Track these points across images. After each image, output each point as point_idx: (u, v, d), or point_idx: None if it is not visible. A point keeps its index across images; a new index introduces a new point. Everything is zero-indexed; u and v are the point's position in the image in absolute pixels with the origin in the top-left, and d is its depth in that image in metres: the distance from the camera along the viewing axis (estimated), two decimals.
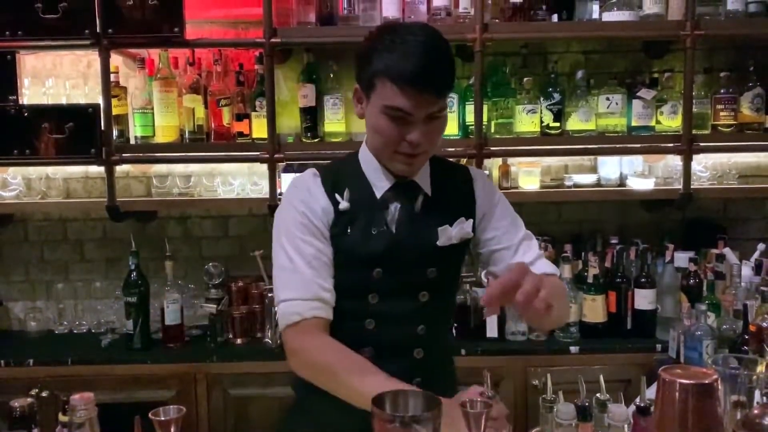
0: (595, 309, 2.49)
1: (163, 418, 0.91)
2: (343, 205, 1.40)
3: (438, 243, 1.41)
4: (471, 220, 1.46)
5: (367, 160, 1.44)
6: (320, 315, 1.36)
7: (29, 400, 0.81)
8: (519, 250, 1.49)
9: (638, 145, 2.61)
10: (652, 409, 1.15)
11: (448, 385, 1.54)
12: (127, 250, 2.56)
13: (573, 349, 2.43)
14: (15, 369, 2.43)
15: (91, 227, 2.89)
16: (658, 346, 2.41)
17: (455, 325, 2.54)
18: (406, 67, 1.26)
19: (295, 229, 1.38)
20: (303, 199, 1.40)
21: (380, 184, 1.42)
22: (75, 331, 2.79)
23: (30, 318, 2.79)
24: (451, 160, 1.66)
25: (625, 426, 1.09)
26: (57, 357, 2.46)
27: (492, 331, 2.48)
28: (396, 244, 1.40)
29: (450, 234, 1.42)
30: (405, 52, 1.27)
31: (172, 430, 0.91)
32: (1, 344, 2.67)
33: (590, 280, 2.49)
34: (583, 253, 2.59)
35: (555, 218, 2.89)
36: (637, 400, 1.23)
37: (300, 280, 1.35)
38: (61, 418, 0.84)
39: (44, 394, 2.39)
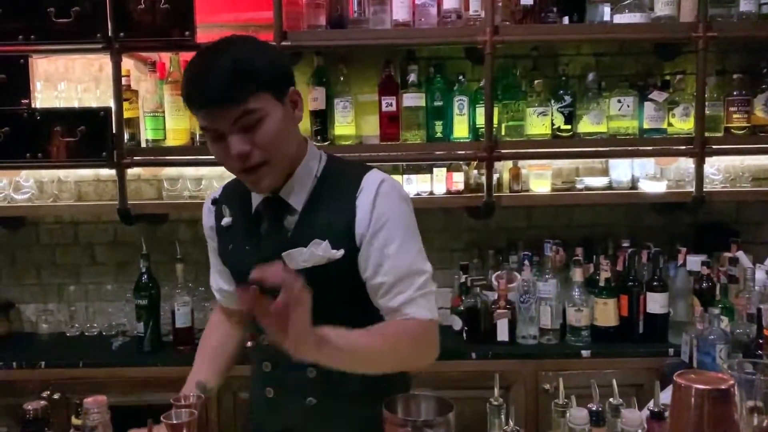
0: (606, 313, 2.47)
1: (175, 422, 0.90)
2: (225, 221, 1.45)
3: (291, 267, 1.27)
4: (327, 242, 1.30)
5: None
6: (220, 301, 1.63)
7: (42, 402, 0.81)
8: (392, 291, 1.31)
9: (650, 148, 2.59)
10: (665, 414, 1.14)
11: (363, 401, 1.30)
12: (138, 253, 2.57)
13: (584, 353, 2.41)
14: (27, 371, 2.44)
15: (103, 230, 2.90)
16: (671, 351, 2.39)
17: (465, 328, 2.53)
18: (186, 90, 1.26)
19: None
20: (202, 219, 1.56)
21: (256, 197, 1.40)
22: (86, 334, 2.81)
23: (42, 320, 2.80)
24: (357, 166, 1.45)
25: (639, 431, 1.08)
26: (68, 359, 2.47)
27: (503, 334, 2.47)
28: (262, 262, 1.20)
29: (301, 257, 1.30)
30: (192, 78, 1.26)
31: None
32: (14, 346, 2.68)
33: (602, 283, 2.47)
34: (594, 257, 2.58)
35: (566, 221, 2.87)
36: (651, 404, 1.22)
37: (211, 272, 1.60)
38: (74, 421, 0.84)
39: (56, 396, 2.41)
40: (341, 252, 1.31)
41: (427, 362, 1.37)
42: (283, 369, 1.40)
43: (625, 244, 2.60)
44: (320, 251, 1.30)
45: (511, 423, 1.26)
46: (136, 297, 2.52)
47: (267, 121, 1.24)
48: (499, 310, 2.46)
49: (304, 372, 1.36)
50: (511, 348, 2.46)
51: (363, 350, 1.23)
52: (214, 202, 1.50)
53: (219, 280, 1.58)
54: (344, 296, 1.36)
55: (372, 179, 1.35)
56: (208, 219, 1.52)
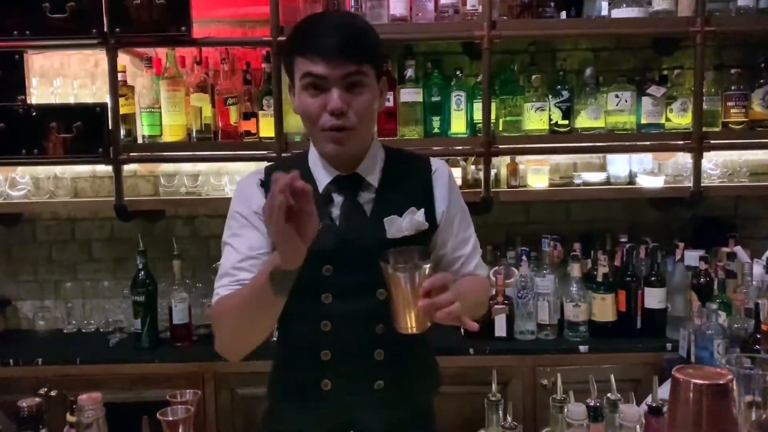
0: (604, 308, 2.47)
1: (171, 418, 0.90)
2: None
3: (387, 235, 1.34)
4: (423, 211, 1.37)
5: (313, 156, 1.42)
6: (228, 292, 1.35)
7: (37, 400, 0.80)
8: (469, 260, 1.50)
9: (648, 143, 2.59)
10: (664, 409, 1.13)
11: (423, 388, 1.52)
12: (135, 249, 2.56)
13: (582, 348, 2.41)
14: (23, 368, 2.43)
15: (99, 226, 2.89)
16: (669, 346, 2.39)
17: None
18: (314, 37, 1.29)
19: (229, 229, 1.41)
20: (243, 198, 1.41)
21: (323, 178, 1.39)
22: (83, 330, 2.80)
23: (38, 317, 2.80)
24: (415, 152, 1.56)
25: (637, 426, 1.07)
26: (65, 356, 2.46)
27: (501, 330, 2.46)
28: (342, 238, 1.34)
29: (399, 225, 1.35)
30: (313, 28, 1.31)
31: (181, 429, 0.90)
32: (10, 343, 2.68)
33: (600, 279, 2.47)
34: (592, 252, 2.58)
35: (564, 217, 2.87)
36: (649, 399, 1.21)
37: (224, 271, 1.38)
38: (69, 418, 0.83)
39: (53, 393, 2.40)
40: (427, 224, 1.39)
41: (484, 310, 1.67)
42: (347, 354, 1.37)
43: (623, 240, 2.59)
44: (418, 217, 1.36)
45: (509, 418, 1.26)
46: (133, 293, 2.51)
47: (367, 90, 1.31)
48: (496, 306, 2.46)
49: (371, 355, 1.37)
50: (509, 343, 2.46)
51: (471, 295, 1.43)
52: (262, 183, 1.39)
53: (241, 272, 1.35)
54: None
55: (439, 163, 1.49)
56: (259, 198, 1.36)
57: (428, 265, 1.17)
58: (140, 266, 2.52)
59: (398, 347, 1.37)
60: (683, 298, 2.47)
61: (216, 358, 2.40)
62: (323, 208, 1.35)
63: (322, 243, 1.29)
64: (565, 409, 1.32)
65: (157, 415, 0.89)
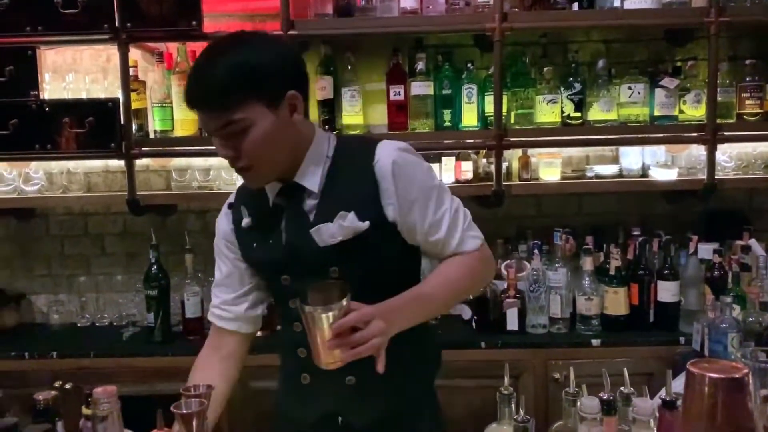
0: (617, 302, 2.45)
1: (184, 411, 0.90)
2: (245, 222, 1.43)
3: (320, 244, 1.33)
4: (352, 214, 1.31)
5: None
6: (214, 321, 1.55)
7: (53, 393, 0.81)
8: (447, 241, 1.40)
9: (661, 135, 2.57)
10: (678, 403, 1.13)
11: (407, 380, 1.45)
12: (147, 243, 2.57)
13: (594, 342, 2.40)
14: (39, 361, 2.45)
15: (112, 221, 2.91)
16: (682, 339, 2.37)
17: (475, 318, 2.52)
18: (187, 88, 1.29)
19: (215, 254, 1.56)
20: (217, 227, 1.53)
21: (271, 190, 1.40)
22: (97, 324, 2.82)
23: (53, 311, 2.82)
24: (366, 140, 1.50)
25: (651, 420, 1.07)
26: (80, 350, 2.49)
27: (512, 323, 2.46)
28: (288, 249, 1.37)
29: (328, 232, 1.32)
30: (189, 77, 1.29)
31: (194, 422, 0.90)
32: (25, 337, 2.70)
33: (612, 272, 2.45)
34: (604, 246, 2.56)
35: (576, 210, 2.85)
36: (663, 393, 1.20)
37: (213, 288, 1.57)
38: (84, 411, 0.84)
39: (68, 386, 2.42)
40: (367, 223, 1.32)
41: (491, 278, 1.63)
42: None
43: (636, 233, 2.58)
44: (347, 222, 1.31)
45: (522, 412, 1.25)
46: (146, 287, 2.53)
47: (253, 130, 1.25)
48: (508, 299, 2.45)
49: None
50: (521, 337, 2.45)
51: (438, 296, 1.37)
52: (230, 206, 1.49)
53: (221, 292, 1.53)
54: (376, 265, 1.38)
55: (385, 147, 1.37)
56: (225, 224, 1.50)
57: (343, 303, 1.16)
58: (153, 260, 2.53)
59: None
60: (697, 292, 2.45)
61: None
62: (274, 221, 1.39)
63: (271, 255, 1.39)
64: (578, 403, 1.32)
65: (171, 408, 0.89)
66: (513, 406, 1.37)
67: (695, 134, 2.52)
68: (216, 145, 1.29)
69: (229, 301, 1.52)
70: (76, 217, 2.92)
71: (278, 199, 1.39)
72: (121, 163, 2.55)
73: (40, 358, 2.46)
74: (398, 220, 1.36)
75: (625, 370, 1.39)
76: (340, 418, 1.42)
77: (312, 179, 1.36)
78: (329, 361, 1.18)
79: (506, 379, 1.40)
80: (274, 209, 1.39)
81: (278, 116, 1.28)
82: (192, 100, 1.27)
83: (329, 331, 1.15)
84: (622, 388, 1.34)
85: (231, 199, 1.51)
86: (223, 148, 1.27)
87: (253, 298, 1.52)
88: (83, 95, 2.65)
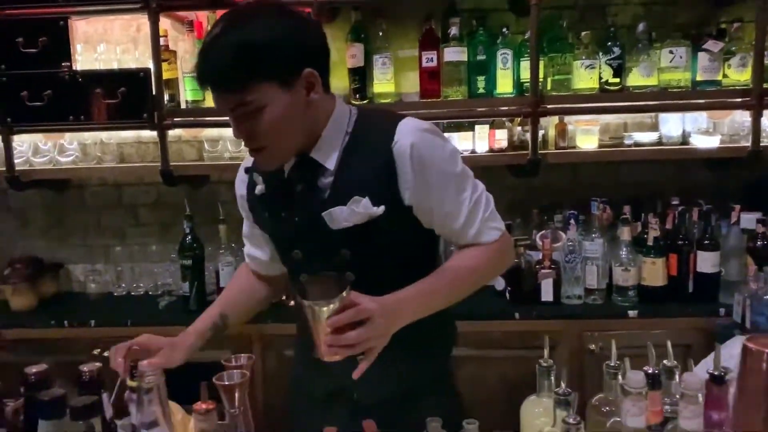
0: (654, 272, 2.40)
1: (227, 383, 0.90)
2: (259, 188, 1.39)
3: (333, 227, 1.28)
4: (367, 200, 1.26)
5: None
6: (248, 262, 1.61)
7: (97, 364, 0.81)
8: (464, 231, 1.33)
9: (703, 101, 2.48)
10: (727, 378, 1.09)
11: (421, 355, 1.41)
12: (181, 214, 2.59)
13: (631, 313, 2.36)
14: (77, 329, 2.50)
15: (145, 192, 2.93)
16: (722, 311, 2.32)
17: (508, 288, 2.50)
18: (197, 65, 1.23)
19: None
20: (236, 188, 1.51)
21: (288, 162, 1.33)
22: (133, 294, 2.87)
23: (90, 280, 2.87)
24: (388, 116, 1.38)
25: (699, 395, 1.04)
26: (117, 318, 2.53)
27: (547, 294, 2.43)
28: (299, 227, 1.33)
29: (341, 216, 1.27)
30: (199, 53, 1.23)
31: (237, 394, 0.90)
32: (64, 305, 2.76)
33: (650, 242, 2.40)
34: (642, 215, 2.50)
35: (613, 179, 2.79)
36: (710, 367, 1.17)
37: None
38: (129, 383, 0.84)
39: (106, 354, 2.47)
40: (382, 208, 1.26)
41: (508, 266, 1.48)
42: None
43: (675, 202, 2.51)
44: (360, 208, 1.26)
45: (563, 385, 1.23)
46: (181, 257, 2.55)
47: (267, 111, 1.19)
48: (543, 270, 2.42)
49: None
50: (556, 308, 2.42)
51: (448, 290, 1.32)
52: (247, 170, 1.44)
53: (251, 248, 1.57)
54: (390, 248, 1.34)
55: (406, 128, 1.28)
56: (240, 188, 1.48)
57: (343, 295, 1.10)
58: (187, 230, 2.54)
59: None
60: (738, 262, 2.39)
61: (263, 321, 2.44)
62: (287, 194, 1.35)
63: (282, 228, 1.38)
64: (619, 376, 1.29)
65: (213, 379, 0.89)
66: (552, 378, 1.35)
67: (739, 99, 2.43)
68: (231, 123, 1.26)
69: (258, 257, 1.55)
70: (110, 188, 2.95)
71: (293, 172, 1.33)
72: (154, 133, 2.55)
73: (79, 326, 2.51)
74: (415, 205, 1.30)
75: (669, 343, 1.36)
76: (354, 393, 1.38)
77: (328, 156, 1.29)
78: (329, 354, 1.12)
79: (545, 352, 1.37)
80: (288, 181, 1.34)
81: (293, 96, 1.21)
82: (201, 79, 1.23)
83: (326, 326, 1.10)
84: (665, 362, 1.31)
85: (247, 162, 1.45)
86: (236, 128, 1.23)
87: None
88: (114, 66, 2.65)
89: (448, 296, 1.34)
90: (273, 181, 1.36)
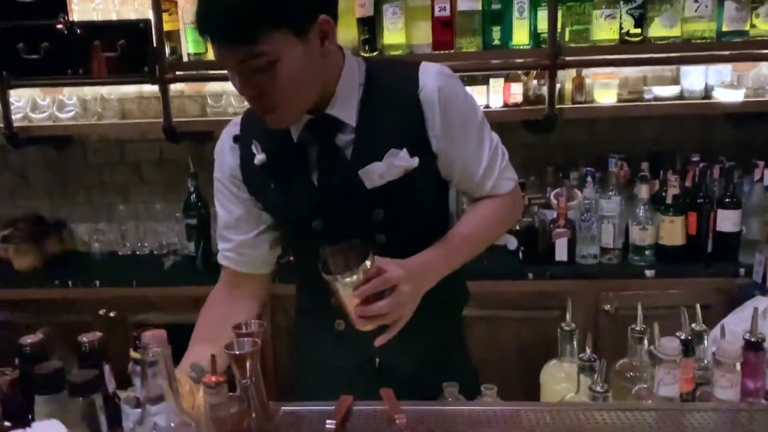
0: (673, 231, 2.34)
1: (238, 352, 0.84)
2: (259, 158, 1.23)
3: (368, 186, 1.18)
4: (405, 151, 1.17)
5: None
6: (228, 265, 1.38)
7: (98, 334, 0.75)
8: (483, 181, 1.28)
9: (728, 53, 2.37)
10: (765, 344, 1.04)
11: (443, 320, 1.37)
12: (185, 171, 2.52)
13: (648, 273, 2.31)
14: (82, 290, 2.46)
15: (149, 149, 2.86)
16: (742, 271, 2.27)
17: (521, 248, 2.44)
18: (199, 12, 1.09)
19: (216, 191, 1.36)
20: (217, 161, 1.33)
21: (294, 125, 1.20)
22: (138, 253, 2.82)
23: (94, 240, 2.82)
24: (403, 63, 1.31)
25: (737, 364, 0.98)
26: (122, 279, 2.49)
27: (561, 254, 2.37)
28: (325, 192, 1.21)
29: (377, 172, 1.17)
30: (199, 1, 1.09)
31: (248, 364, 0.85)
32: (68, 265, 2.71)
33: (669, 200, 2.33)
34: (661, 173, 2.43)
35: (632, 135, 2.69)
36: (747, 333, 1.11)
37: (219, 231, 1.39)
38: (133, 354, 0.79)
39: (112, 314, 2.44)
40: (416, 160, 1.18)
41: (518, 218, 1.51)
42: None
43: (696, 159, 2.42)
44: (399, 161, 1.17)
45: (588, 350, 1.17)
46: (186, 216, 2.49)
47: (279, 65, 1.05)
48: (558, 230, 2.35)
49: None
50: (570, 268, 2.36)
51: (468, 248, 1.28)
52: (237, 139, 1.28)
53: (235, 235, 1.34)
54: (420, 205, 1.27)
55: (428, 73, 1.20)
56: (231, 160, 1.29)
57: (367, 265, 1.04)
58: (191, 189, 2.48)
59: None
60: (760, 221, 2.33)
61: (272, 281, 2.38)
62: (299, 160, 1.22)
63: (300, 198, 1.23)
64: (645, 341, 1.24)
65: (224, 348, 0.83)
66: (575, 343, 1.30)
67: (767, 51, 2.32)
68: (234, 81, 1.10)
69: (246, 243, 1.33)
70: (113, 144, 2.87)
71: (306, 134, 1.20)
72: (155, 88, 2.47)
73: (84, 286, 2.46)
74: (439, 153, 1.23)
75: (698, 306, 1.30)
76: (377, 360, 1.32)
77: (347, 111, 1.19)
78: (361, 325, 1.07)
79: (568, 315, 1.32)
80: (299, 146, 1.21)
81: (308, 46, 1.08)
82: (204, 28, 1.08)
83: (353, 298, 1.05)
84: (694, 325, 1.25)
85: (235, 129, 1.29)
86: (244, 85, 1.08)
87: (272, 238, 1.35)
88: (113, 17, 2.54)
89: (471, 252, 1.30)
90: (277, 147, 1.22)
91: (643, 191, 2.33)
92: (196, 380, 1.19)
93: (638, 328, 1.26)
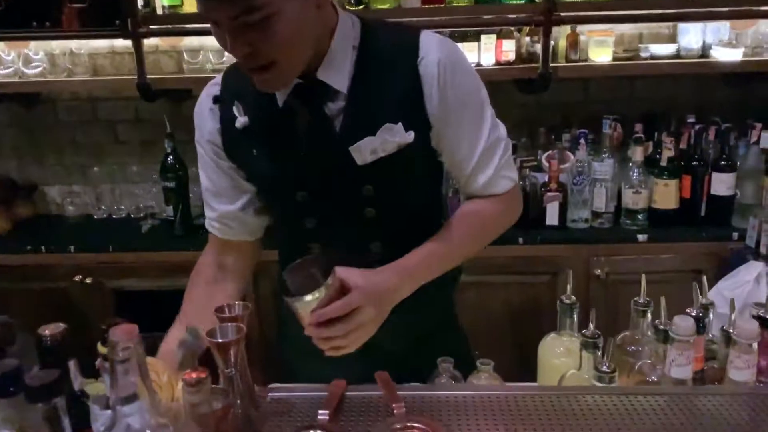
0: (666, 195, 2.28)
1: (220, 340, 0.77)
2: (241, 121, 1.13)
3: (359, 163, 1.09)
4: (400, 125, 1.08)
5: None
6: (215, 233, 1.27)
7: (61, 325, 0.65)
8: (475, 174, 1.16)
9: (727, 9, 2.28)
10: None
11: (437, 294, 1.28)
12: (162, 131, 2.40)
13: (641, 237, 2.26)
14: (57, 256, 2.36)
15: (123, 107, 2.72)
16: (735, 235, 2.23)
17: None
18: None
19: (199, 156, 1.26)
20: (197, 124, 1.22)
21: (286, 87, 1.10)
22: (114, 217, 2.71)
23: (67, 203, 2.70)
24: (402, 27, 1.19)
25: (755, 344, 0.93)
26: (98, 244, 2.38)
27: (552, 218, 2.31)
28: (311, 163, 1.12)
29: (369, 148, 1.08)
30: None
31: (232, 352, 0.77)
32: (41, 229, 2.60)
33: (663, 163, 2.27)
34: (656, 134, 2.36)
35: (627, 94, 2.61)
36: (761, 310, 1.05)
37: (204, 197, 1.28)
38: (101, 349, 0.70)
39: (88, 280, 2.35)
40: (412, 135, 1.08)
41: (514, 222, 1.29)
42: None
43: (691, 120, 2.37)
44: (393, 137, 1.07)
45: (591, 326, 1.11)
46: (163, 179, 2.39)
47: (275, 19, 0.95)
48: (549, 193, 2.28)
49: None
50: (561, 233, 2.31)
51: (448, 254, 1.17)
52: (217, 100, 1.17)
53: (218, 204, 1.24)
54: (414, 181, 1.18)
55: (430, 43, 1.10)
56: (211, 122, 1.18)
57: (328, 282, 0.96)
58: (168, 150, 2.37)
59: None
60: (755, 184, 2.28)
61: None
62: (284, 126, 1.12)
63: (285, 167, 1.13)
64: (648, 314, 1.19)
65: (205, 336, 0.75)
66: (575, 316, 1.24)
67: (766, 8, 2.23)
68: (220, 38, 0.99)
69: (230, 214, 1.24)
70: (84, 102, 2.73)
71: (292, 99, 1.10)
72: (128, 43, 2.32)
73: (58, 252, 2.36)
74: (433, 130, 1.13)
75: (704, 278, 1.24)
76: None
77: (339, 77, 1.08)
78: (323, 346, 1.00)
79: (568, 287, 1.25)
80: (285, 110, 1.11)
81: (298, 2, 0.98)
82: None
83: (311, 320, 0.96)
84: (701, 299, 1.19)
85: (215, 89, 1.18)
86: (235, 43, 0.97)
87: (258, 207, 1.25)
88: None
89: (453, 259, 1.19)
90: (261, 111, 1.13)
91: (637, 153, 2.27)
92: (191, 345, 1.12)
93: (641, 301, 1.21)
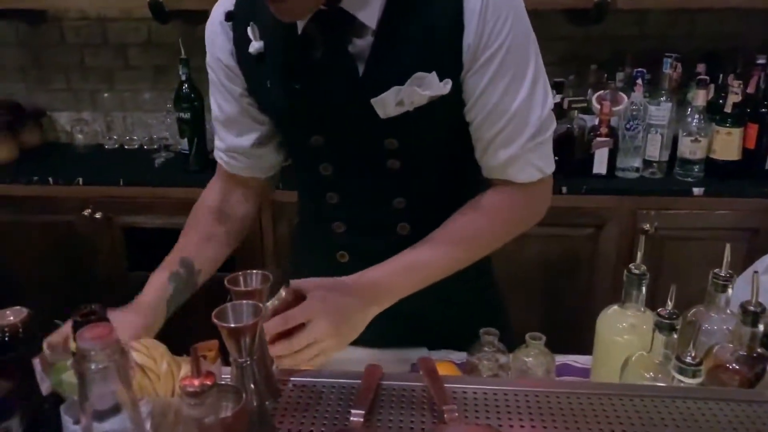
0: (728, 144, 2.07)
1: (233, 325, 0.61)
2: (255, 46, 0.98)
3: (381, 116, 0.93)
4: (434, 74, 0.91)
5: None
6: (225, 167, 1.15)
7: (24, 311, 0.49)
8: (501, 142, 0.96)
9: None
10: None
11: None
12: (176, 57, 2.20)
13: (696, 190, 2.06)
14: (64, 188, 2.21)
15: (134, 29, 2.52)
16: None
17: (556, 158, 2.17)
18: None
19: (209, 80, 1.10)
20: (208, 44, 1.07)
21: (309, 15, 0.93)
22: (126, 147, 2.55)
23: (76, 131, 2.54)
24: None
25: None
26: (108, 176, 2.23)
27: (600, 166, 2.11)
28: (325, 107, 0.97)
29: (395, 100, 0.91)
30: None
31: (247, 339, 0.61)
32: (49, 159, 2.46)
33: (728, 109, 2.05)
34: (720, 76, 2.13)
35: (686, 31, 2.35)
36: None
37: (215, 126, 1.14)
38: (73, 346, 0.55)
39: (97, 215, 2.21)
40: (449, 85, 0.90)
41: (535, 223, 1.08)
42: (363, 230, 1.07)
43: (761, 61, 2.12)
44: (426, 89, 0.90)
45: (670, 304, 0.94)
46: (177, 109, 2.21)
47: None
48: (599, 138, 2.08)
49: (394, 231, 1.05)
50: (609, 182, 2.11)
51: (441, 261, 0.99)
52: (229, 16, 1.02)
53: (228, 134, 1.11)
54: (446, 134, 1.01)
55: None
56: (221, 43, 1.03)
57: (278, 295, 0.84)
58: (183, 78, 2.19)
59: (432, 221, 1.01)
60: None
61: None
62: (300, 57, 0.95)
63: (298, 106, 0.97)
64: (729, 290, 1.02)
65: (213, 318, 0.59)
66: (644, 289, 1.07)
67: None
68: None
69: (240, 148, 1.10)
70: (93, 23, 2.53)
71: (312, 27, 0.93)
72: None
73: (66, 184, 2.21)
74: (464, 72, 0.94)
75: (728, 247, 1.04)
76: None
77: (367, 8, 0.91)
78: (280, 362, 0.86)
79: (639, 255, 1.07)
80: (304, 39, 0.95)
81: None
82: None
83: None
84: (717, 270, 1.02)
85: (228, 4, 1.02)
86: None
87: (273, 143, 1.11)
88: None
89: (449, 267, 1.01)
90: (277, 37, 0.97)
91: (699, 98, 2.04)
92: (183, 281, 1.02)
93: (723, 274, 1.03)
